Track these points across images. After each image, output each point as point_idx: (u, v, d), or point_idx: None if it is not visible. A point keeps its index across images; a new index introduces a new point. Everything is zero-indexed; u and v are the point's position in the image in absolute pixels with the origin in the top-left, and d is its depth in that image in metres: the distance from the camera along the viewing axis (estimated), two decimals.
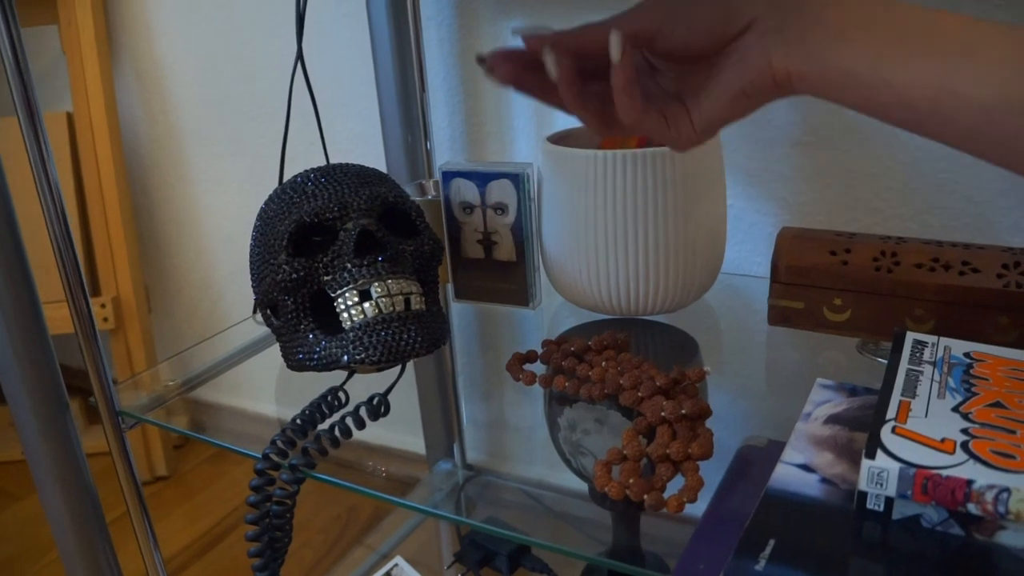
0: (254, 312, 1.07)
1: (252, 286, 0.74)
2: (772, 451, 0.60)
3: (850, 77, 0.47)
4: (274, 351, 0.90)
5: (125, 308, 1.46)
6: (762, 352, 0.80)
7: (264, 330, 0.95)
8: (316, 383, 0.71)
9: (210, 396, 1.59)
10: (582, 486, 0.62)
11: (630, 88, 0.51)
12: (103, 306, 1.44)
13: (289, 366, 0.71)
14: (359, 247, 0.67)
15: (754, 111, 0.52)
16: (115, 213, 1.42)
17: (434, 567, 1.13)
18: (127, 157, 1.51)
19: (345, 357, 0.64)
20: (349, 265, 0.66)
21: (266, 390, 0.85)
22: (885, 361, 0.69)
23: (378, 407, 0.67)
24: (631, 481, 0.51)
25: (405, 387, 0.80)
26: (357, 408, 0.66)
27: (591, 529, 0.62)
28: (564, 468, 0.65)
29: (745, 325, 0.85)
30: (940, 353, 0.58)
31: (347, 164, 0.74)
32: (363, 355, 0.64)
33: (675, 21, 0.51)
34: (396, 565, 0.99)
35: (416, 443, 1.19)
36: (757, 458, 0.60)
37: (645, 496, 0.50)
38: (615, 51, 0.50)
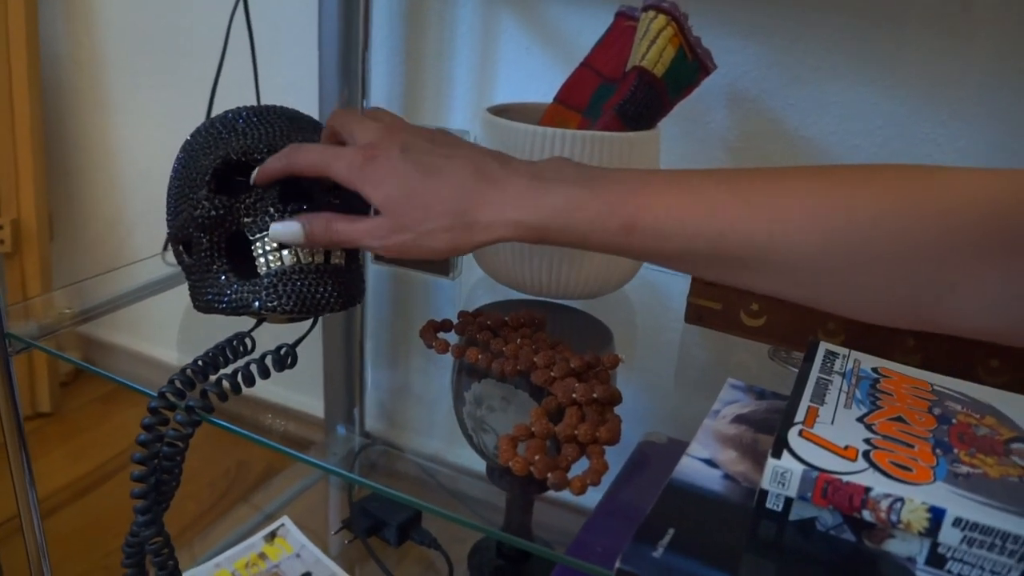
0: (164, 250, 1.03)
1: (167, 220, 0.70)
2: (671, 448, 0.60)
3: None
4: (176, 293, 0.87)
5: (24, 232, 1.39)
6: (674, 348, 0.81)
7: (170, 270, 0.91)
8: (219, 330, 0.68)
9: (104, 334, 1.53)
10: (478, 465, 0.61)
11: None
12: (0, 227, 1.36)
13: (196, 306, 0.69)
14: (284, 193, 0.64)
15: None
16: (24, 131, 1.35)
17: (319, 532, 1.11)
18: (43, 76, 1.43)
19: (256, 303, 0.62)
20: (272, 210, 0.63)
21: (163, 333, 0.82)
22: (795, 369, 0.70)
23: (285, 357, 0.64)
24: (536, 458, 0.50)
25: (310, 346, 0.78)
26: (263, 356, 0.64)
27: (482, 510, 0.62)
28: (462, 445, 0.64)
29: (660, 320, 0.86)
30: (850, 365, 0.59)
31: (281, 107, 0.71)
32: (276, 303, 0.61)
33: None
34: (282, 525, 0.96)
35: (315, 405, 1.17)
36: (655, 454, 0.60)
37: (549, 474, 0.50)
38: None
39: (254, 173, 0.64)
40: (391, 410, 0.82)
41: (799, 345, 0.73)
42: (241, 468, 1.35)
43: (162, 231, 1.51)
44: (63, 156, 1.52)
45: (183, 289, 0.71)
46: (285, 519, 0.98)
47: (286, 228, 0.60)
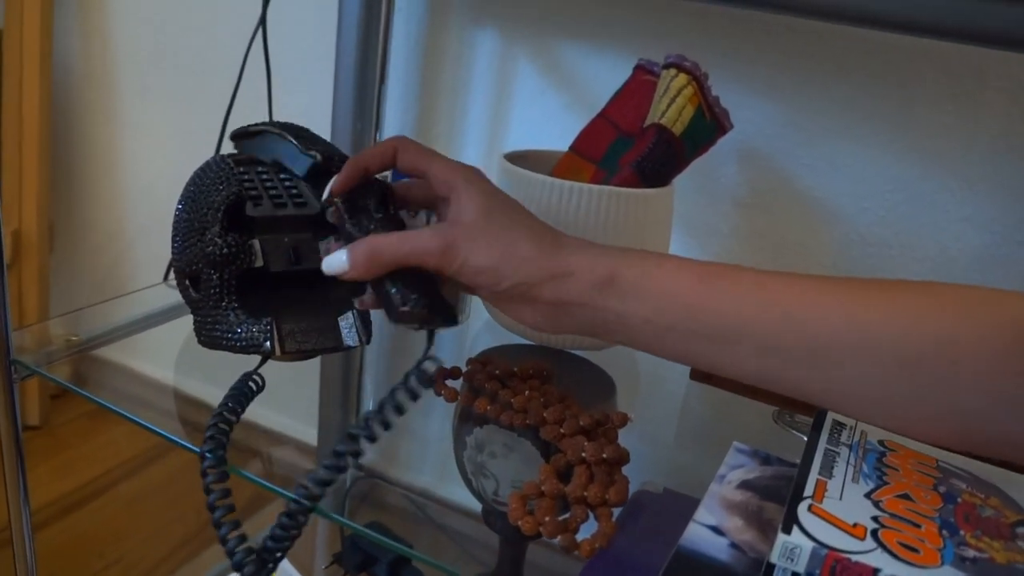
0: (165, 278, 1.03)
1: (173, 253, 0.70)
2: (667, 499, 0.61)
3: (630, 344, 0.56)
4: (180, 322, 0.86)
5: (24, 243, 1.38)
6: (678, 404, 0.81)
7: (173, 299, 0.91)
8: (216, 356, 0.67)
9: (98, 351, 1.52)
10: (470, 502, 0.61)
11: None
12: None
13: (201, 342, 0.68)
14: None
15: None
16: (32, 142, 1.35)
17: (306, 564, 1.10)
18: (53, 87, 1.44)
19: (268, 343, 0.62)
20: (373, 212, 0.61)
21: (159, 353, 0.81)
22: (799, 433, 0.71)
23: (426, 374, 0.60)
24: (547, 519, 0.50)
25: (307, 375, 0.78)
26: (407, 378, 0.59)
27: (474, 548, 0.62)
28: (455, 483, 0.64)
29: (665, 375, 0.86)
30: (857, 437, 0.59)
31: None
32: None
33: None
34: None
35: (308, 433, 1.16)
36: (651, 504, 0.60)
37: (559, 536, 0.50)
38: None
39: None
40: (385, 445, 0.82)
41: (802, 408, 0.73)
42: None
43: (161, 247, 1.50)
44: (67, 167, 1.51)
45: (187, 319, 0.70)
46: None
47: (333, 260, 0.58)
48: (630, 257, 0.53)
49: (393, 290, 0.57)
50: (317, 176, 0.64)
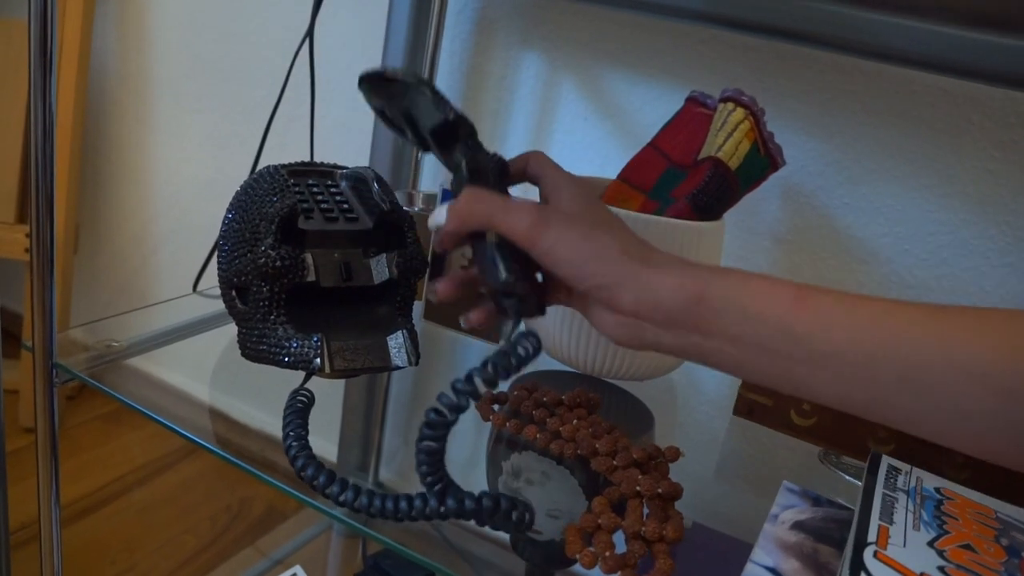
0: (195, 287, 1.02)
1: (219, 264, 0.70)
2: (697, 533, 0.60)
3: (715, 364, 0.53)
4: (218, 333, 0.86)
5: None
6: (718, 439, 0.80)
7: (203, 309, 0.90)
8: (241, 369, 0.67)
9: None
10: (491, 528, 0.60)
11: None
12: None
13: (245, 354, 0.68)
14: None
15: None
16: (65, 143, 1.35)
17: None
18: (88, 88, 1.44)
19: (317, 360, 0.62)
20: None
21: (177, 358, 0.81)
22: (845, 475, 0.70)
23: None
24: (607, 554, 0.49)
25: (331, 392, 0.77)
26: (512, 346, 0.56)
27: (493, 574, 0.61)
28: None
29: (704, 409, 0.85)
30: (913, 483, 0.59)
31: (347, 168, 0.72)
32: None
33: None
34: (294, 575, 0.95)
35: (329, 450, 1.15)
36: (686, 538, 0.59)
37: (620, 572, 0.49)
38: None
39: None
40: (406, 464, 0.81)
41: (847, 449, 0.72)
42: (243, 505, 1.32)
43: (185, 256, 1.50)
44: (95, 169, 1.51)
45: (217, 331, 0.69)
46: (297, 568, 0.96)
47: (438, 213, 0.56)
48: (720, 274, 0.51)
49: (498, 257, 0.55)
50: (443, 136, 0.60)
